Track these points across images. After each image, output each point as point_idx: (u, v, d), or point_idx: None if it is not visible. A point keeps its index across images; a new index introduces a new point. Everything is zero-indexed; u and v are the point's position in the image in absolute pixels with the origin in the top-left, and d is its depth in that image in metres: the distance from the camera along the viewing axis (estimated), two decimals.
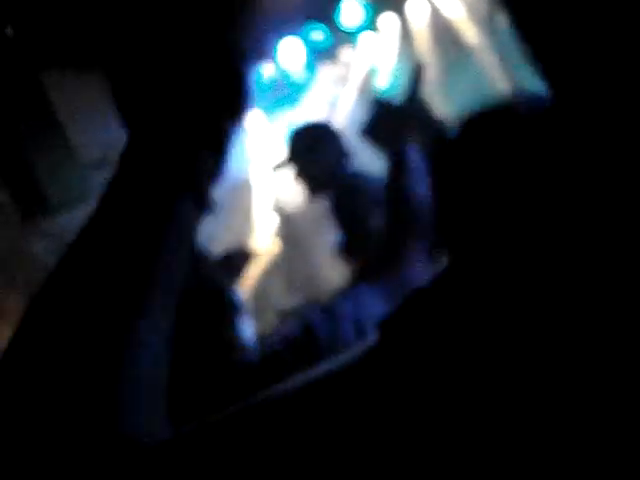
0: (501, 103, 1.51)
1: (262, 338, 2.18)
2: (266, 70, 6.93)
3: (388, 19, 6.43)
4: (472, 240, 1.29)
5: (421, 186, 1.95)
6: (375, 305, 1.92)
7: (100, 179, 6.52)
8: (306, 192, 3.86)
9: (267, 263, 7.14)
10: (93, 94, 6.66)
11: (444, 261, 1.44)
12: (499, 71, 5.81)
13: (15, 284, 6.45)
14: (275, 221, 4.87)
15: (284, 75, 6.91)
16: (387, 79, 6.70)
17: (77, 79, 6.42)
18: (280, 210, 3.97)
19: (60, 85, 5.86)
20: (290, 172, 3.91)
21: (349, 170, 3.69)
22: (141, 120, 0.88)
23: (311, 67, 6.76)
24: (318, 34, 6.45)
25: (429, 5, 6.22)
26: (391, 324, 0.70)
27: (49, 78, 5.34)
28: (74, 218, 6.09)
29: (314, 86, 7.05)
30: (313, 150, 3.74)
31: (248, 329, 2.54)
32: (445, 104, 6.31)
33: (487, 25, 5.85)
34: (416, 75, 2.50)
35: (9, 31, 4.70)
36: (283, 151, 3.94)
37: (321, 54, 6.70)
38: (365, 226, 3.29)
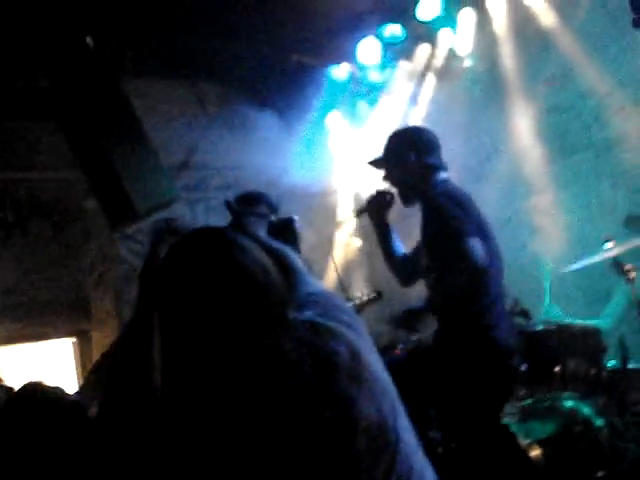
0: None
1: None
2: (344, 70, 6.94)
3: (467, 14, 6.34)
4: None
5: None
6: None
7: (183, 182, 6.66)
8: (399, 195, 3.69)
9: (348, 259, 7.29)
10: (173, 98, 6.82)
11: None
12: (582, 60, 5.67)
13: (103, 283, 6.66)
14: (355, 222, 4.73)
15: (363, 73, 6.91)
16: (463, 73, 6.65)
17: (157, 84, 6.57)
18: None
19: (141, 91, 5.99)
20: (380, 173, 3.76)
21: (441, 187, 3.50)
22: None
23: (388, 64, 6.74)
24: (394, 31, 6.42)
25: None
26: None
27: (130, 84, 5.45)
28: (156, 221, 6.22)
29: (392, 83, 7.02)
30: (402, 155, 3.58)
31: None
32: (527, 99, 6.21)
33: (569, 15, 5.72)
34: None
35: (89, 41, 4.82)
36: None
37: (398, 51, 6.66)
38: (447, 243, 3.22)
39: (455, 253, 3.17)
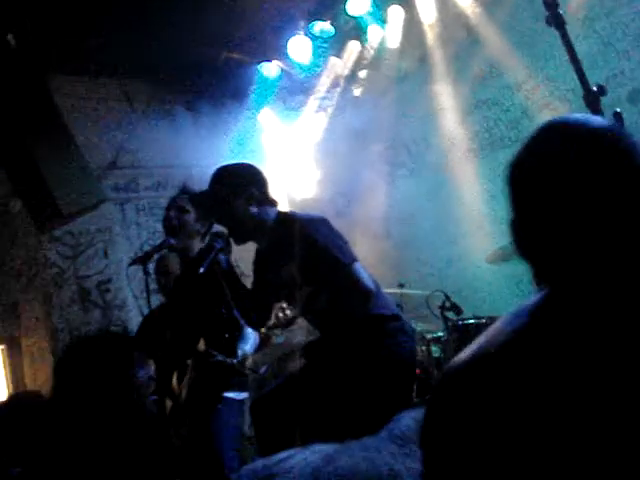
0: None
1: None
2: (274, 67, 6.91)
3: (396, 11, 6.38)
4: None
5: None
6: None
7: (112, 182, 6.54)
8: (233, 234, 3.55)
9: None
10: (100, 97, 6.69)
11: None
12: (509, 55, 5.75)
13: (32, 288, 6.50)
14: None
15: (293, 70, 6.89)
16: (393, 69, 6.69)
17: (82, 83, 6.42)
18: None
19: (66, 90, 5.86)
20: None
21: (301, 215, 3.48)
22: None
23: (319, 61, 6.73)
24: (324, 28, 6.42)
25: None
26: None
27: (55, 83, 5.33)
28: (85, 222, 6.11)
29: (323, 79, 7.02)
30: (241, 189, 3.44)
31: None
32: (455, 94, 6.27)
33: (495, 11, 5.79)
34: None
35: (10, 39, 4.69)
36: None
37: (328, 47, 6.67)
38: None
39: (344, 281, 3.17)
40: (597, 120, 1.31)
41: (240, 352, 3.93)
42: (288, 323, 3.98)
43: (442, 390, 1.22)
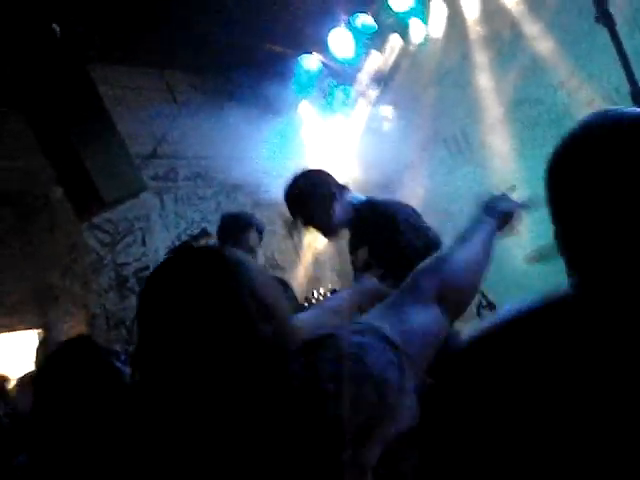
0: None
1: None
2: (315, 59, 6.91)
3: (437, 5, 6.35)
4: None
5: None
6: None
7: (152, 172, 6.58)
8: (327, 233, 3.67)
9: (319, 250, 7.31)
10: (141, 86, 6.74)
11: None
12: (552, 52, 5.68)
13: (71, 274, 6.58)
14: None
15: (334, 63, 6.89)
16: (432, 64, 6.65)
17: (125, 72, 6.48)
18: None
19: (108, 79, 5.91)
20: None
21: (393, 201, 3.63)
22: None
23: (359, 54, 6.72)
24: (365, 21, 6.40)
25: None
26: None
27: (98, 72, 5.38)
28: (124, 211, 6.17)
29: (363, 73, 7.01)
30: (303, 203, 3.53)
31: None
32: (496, 92, 6.21)
33: (539, 8, 5.73)
34: None
35: (55, 28, 4.74)
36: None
37: (369, 41, 6.65)
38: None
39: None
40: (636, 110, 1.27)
41: None
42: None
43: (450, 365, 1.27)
